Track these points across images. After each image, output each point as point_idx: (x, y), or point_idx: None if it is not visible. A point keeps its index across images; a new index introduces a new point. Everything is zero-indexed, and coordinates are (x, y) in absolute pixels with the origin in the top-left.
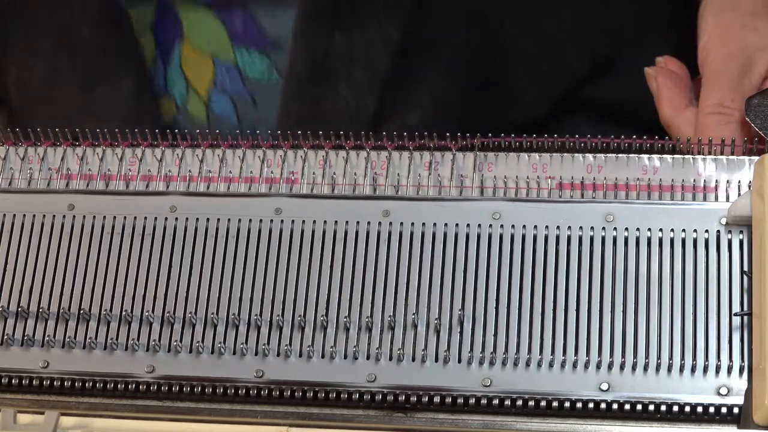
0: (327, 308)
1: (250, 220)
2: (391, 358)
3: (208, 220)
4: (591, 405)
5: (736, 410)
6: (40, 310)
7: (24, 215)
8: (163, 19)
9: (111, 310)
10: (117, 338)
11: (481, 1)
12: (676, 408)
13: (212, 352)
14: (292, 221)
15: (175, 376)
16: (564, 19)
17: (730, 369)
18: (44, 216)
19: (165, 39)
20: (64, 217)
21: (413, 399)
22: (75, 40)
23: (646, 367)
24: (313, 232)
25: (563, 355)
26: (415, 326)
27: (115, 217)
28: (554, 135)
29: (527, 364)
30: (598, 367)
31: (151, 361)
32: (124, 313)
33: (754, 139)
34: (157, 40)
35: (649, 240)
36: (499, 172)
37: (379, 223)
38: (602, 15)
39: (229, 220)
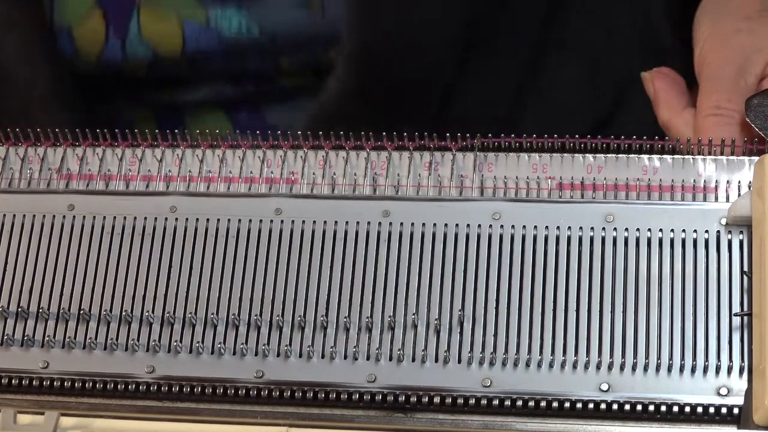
0: (327, 308)
1: (250, 220)
2: (391, 359)
3: (208, 220)
4: (591, 405)
5: (736, 410)
6: (40, 310)
7: (24, 215)
8: (165, 119)
9: (111, 310)
10: (117, 338)
11: (498, 102)
12: (676, 408)
13: (212, 353)
14: (292, 221)
15: (175, 376)
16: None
17: (730, 369)
18: (44, 216)
19: (168, 125)
20: (64, 217)
21: (413, 399)
22: None
23: (646, 368)
24: (313, 232)
25: (563, 356)
26: (415, 326)
27: (115, 217)
28: (554, 135)
29: (527, 365)
30: (598, 367)
31: (151, 361)
32: (124, 313)
33: (754, 139)
34: (160, 125)
35: (649, 240)
36: (499, 172)
37: (379, 223)
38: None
39: (229, 220)
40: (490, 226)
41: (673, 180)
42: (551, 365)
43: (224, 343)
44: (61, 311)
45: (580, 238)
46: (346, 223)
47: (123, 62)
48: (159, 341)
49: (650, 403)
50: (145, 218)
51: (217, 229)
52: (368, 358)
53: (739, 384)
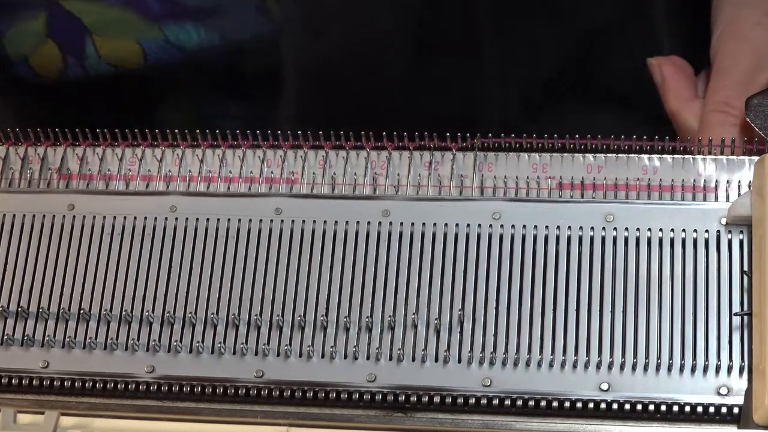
0: (327, 308)
1: (250, 220)
2: (391, 358)
3: (208, 220)
4: (591, 405)
5: (736, 410)
6: (40, 310)
7: (24, 215)
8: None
9: (111, 310)
10: (117, 338)
11: None
12: (676, 408)
13: (212, 352)
14: (292, 221)
15: (175, 376)
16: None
17: (730, 369)
18: (44, 216)
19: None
20: (64, 217)
21: (413, 399)
22: None
23: (646, 367)
24: (313, 232)
25: (563, 355)
26: (415, 326)
27: (115, 217)
28: (554, 135)
29: (527, 364)
30: (598, 367)
31: (151, 361)
32: (124, 313)
33: (754, 139)
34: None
35: (649, 240)
36: (499, 172)
37: (379, 223)
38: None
39: (229, 220)
40: (490, 225)
41: (673, 180)
42: (551, 365)
43: (224, 342)
44: (61, 311)
45: (580, 238)
46: (346, 223)
47: (85, 78)
48: (159, 341)
49: (650, 402)
50: (145, 218)
51: (217, 229)
52: (368, 358)
53: (739, 384)
